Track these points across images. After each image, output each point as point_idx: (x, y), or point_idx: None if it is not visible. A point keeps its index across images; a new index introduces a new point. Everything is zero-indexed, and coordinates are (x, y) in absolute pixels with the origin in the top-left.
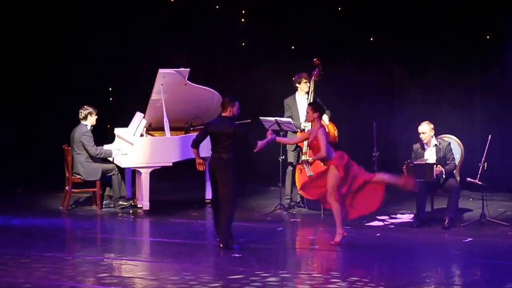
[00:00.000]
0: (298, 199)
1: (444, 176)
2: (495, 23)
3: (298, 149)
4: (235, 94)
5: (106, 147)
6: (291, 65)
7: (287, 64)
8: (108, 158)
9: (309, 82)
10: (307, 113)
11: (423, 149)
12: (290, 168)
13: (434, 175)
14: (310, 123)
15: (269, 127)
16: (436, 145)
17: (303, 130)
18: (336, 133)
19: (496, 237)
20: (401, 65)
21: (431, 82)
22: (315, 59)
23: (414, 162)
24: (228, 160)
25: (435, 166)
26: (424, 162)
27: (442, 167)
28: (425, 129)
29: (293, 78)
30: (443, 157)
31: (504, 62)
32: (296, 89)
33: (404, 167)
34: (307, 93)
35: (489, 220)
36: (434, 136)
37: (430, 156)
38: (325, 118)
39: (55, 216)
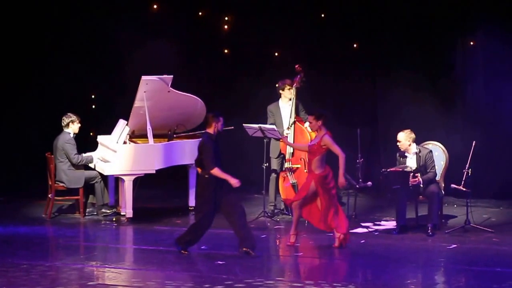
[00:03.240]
0: (282, 207)
1: (422, 185)
2: (479, 30)
3: (281, 156)
4: (218, 100)
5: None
6: (274, 72)
7: (270, 70)
8: (90, 165)
9: (291, 87)
10: (310, 122)
11: (404, 156)
12: (273, 175)
13: (410, 183)
14: (292, 130)
15: (252, 134)
16: (416, 153)
17: (286, 137)
18: None
19: (481, 244)
20: (384, 72)
21: (415, 88)
22: (296, 66)
23: (388, 170)
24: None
25: (412, 175)
26: (398, 170)
27: (422, 175)
28: (401, 137)
29: (277, 85)
30: (423, 165)
31: (485, 69)
32: (279, 95)
33: (380, 177)
34: (291, 99)
35: (473, 227)
36: (414, 144)
37: (411, 163)
38: (307, 124)
39: (38, 224)
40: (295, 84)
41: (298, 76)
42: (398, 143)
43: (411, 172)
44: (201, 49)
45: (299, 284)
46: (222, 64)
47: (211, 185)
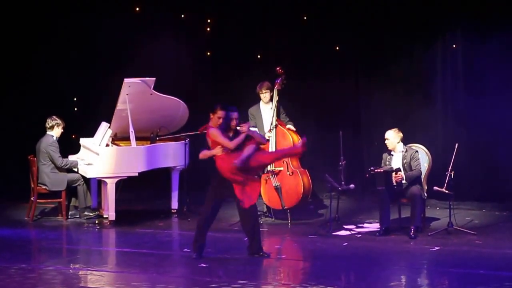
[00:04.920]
0: (265, 209)
1: (404, 182)
2: (461, 34)
3: None
4: (202, 102)
5: (72, 157)
6: (258, 74)
7: (253, 72)
8: (73, 169)
9: (271, 92)
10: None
11: (391, 155)
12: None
13: (394, 181)
14: (274, 133)
15: None
16: (402, 151)
17: (268, 140)
18: (300, 142)
19: (463, 246)
20: (366, 74)
21: (397, 91)
22: (277, 68)
23: (375, 170)
24: None
25: (394, 173)
26: (383, 170)
27: (404, 173)
28: (389, 135)
29: (257, 88)
30: (408, 164)
31: (466, 73)
32: (259, 98)
33: (367, 175)
34: (271, 101)
35: (456, 229)
36: (402, 143)
37: (396, 162)
38: (290, 126)
39: (20, 226)
40: (276, 86)
41: (280, 78)
42: (386, 141)
43: (393, 170)
44: (184, 51)
45: (282, 287)
46: (204, 66)
47: (215, 179)
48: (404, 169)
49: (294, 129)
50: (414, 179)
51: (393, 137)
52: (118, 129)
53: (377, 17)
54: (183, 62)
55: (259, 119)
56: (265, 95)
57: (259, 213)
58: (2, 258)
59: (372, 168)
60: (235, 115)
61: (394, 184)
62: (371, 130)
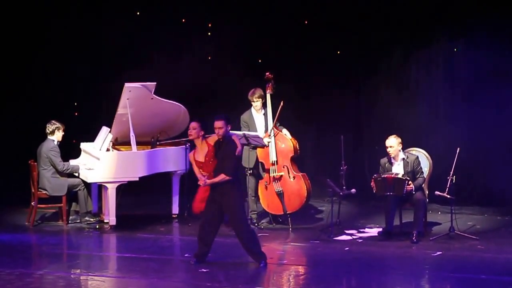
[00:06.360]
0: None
1: (414, 192)
2: (463, 36)
3: (258, 164)
4: (201, 106)
5: (72, 162)
6: (259, 78)
7: (255, 77)
8: (75, 174)
9: (263, 99)
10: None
11: (391, 163)
12: (252, 181)
13: (405, 190)
14: (273, 138)
15: None
16: (403, 159)
17: (267, 145)
18: (297, 146)
19: (465, 251)
20: (367, 78)
21: (399, 94)
22: (267, 73)
23: (382, 176)
24: None
25: (406, 182)
26: (393, 176)
27: (412, 182)
28: (393, 143)
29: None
30: (412, 171)
31: (469, 76)
32: (250, 104)
33: (372, 182)
34: (264, 106)
35: (458, 234)
36: (401, 150)
37: (398, 170)
38: (286, 132)
39: (21, 231)
40: (268, 91)
41: (269, 83)
42: (389, 149)
43: (405, 179)
44: (186, 55)
45: None
46: (205, 70)
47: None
48: (408, 177)
49: (290, 135)
50: (419, 186)
51: (396, 144)
52: (119, 133)
53: (379, 21)
54: (183, 67)
55: (252, 125)
56: (256, 104)
57: (254, 213)
58: (3, 263)
59: (376, 175)
60: (216, 124)
61: (404, 192)
62: (372, 135)
